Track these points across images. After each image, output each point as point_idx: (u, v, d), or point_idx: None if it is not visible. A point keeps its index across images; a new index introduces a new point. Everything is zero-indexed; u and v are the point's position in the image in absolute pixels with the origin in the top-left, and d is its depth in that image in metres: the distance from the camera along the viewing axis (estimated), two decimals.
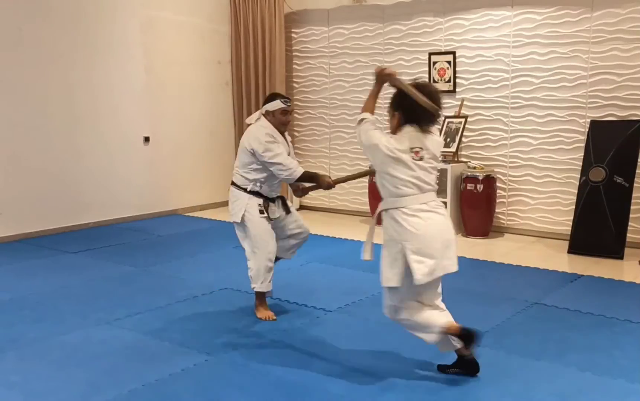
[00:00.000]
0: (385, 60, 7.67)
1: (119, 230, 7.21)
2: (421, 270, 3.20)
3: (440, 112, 3.32)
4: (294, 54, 8.49)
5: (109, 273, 5.46)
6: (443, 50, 7.22)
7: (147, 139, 7.86)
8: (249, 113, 8.75)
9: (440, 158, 3.49)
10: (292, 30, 8.46)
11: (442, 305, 3.49)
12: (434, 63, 7.28)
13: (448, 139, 7.05)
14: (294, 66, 8.51)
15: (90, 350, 3.79)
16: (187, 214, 8.20)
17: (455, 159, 7.00)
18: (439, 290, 3.48)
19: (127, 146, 7.64)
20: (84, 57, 7.13)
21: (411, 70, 7.47)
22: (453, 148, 6.97)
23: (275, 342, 3.92)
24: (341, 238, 6.85)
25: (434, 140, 3.40)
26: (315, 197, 8.53)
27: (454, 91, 7.19)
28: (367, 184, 7.70)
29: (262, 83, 8.52)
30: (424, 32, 7.36)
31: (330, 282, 5.22)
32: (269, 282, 4.31)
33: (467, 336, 3.33)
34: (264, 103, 4.38)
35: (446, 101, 7.24)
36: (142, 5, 7.72)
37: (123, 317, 4.34)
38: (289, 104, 4.30)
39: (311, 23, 8.26)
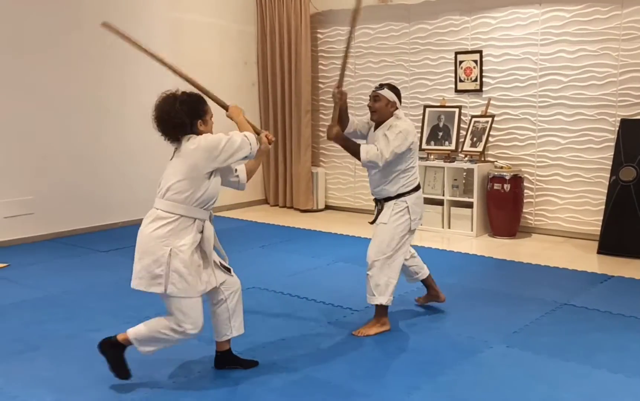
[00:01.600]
0: (411, 59, 7.66)
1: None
2: None
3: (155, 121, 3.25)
4: (319, 54, 8.52)
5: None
6: (469, 49, 7.18)
7: None
8: (275, 114, 8.81)
9: (196, 164, 3.17)
10: (318, 30, 8.49)
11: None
12: (460, 62, 7.25)
13: (474, 139, 7.01)
14: (320, 66, 8.53)
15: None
16: (215, 214, 8.26)
17: (482, 159, 6.96)
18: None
19: (155, 147, 7.71)
20: (113, 60, 7.24)
21: (437, 69, 7.45)
22: (480, 148, 6.93)
23: (301, 340, 3.95)
24: (367, 238, 6.82)
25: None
26: (341, 197, 8.55)
27: (480, 90, 7.15)
28: None
29: (287, 83, 8.57)
30: (450, 31, 7.33)
31: (356, 282, 5.21)
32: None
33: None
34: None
35: (472, 100, 7.23)
36: (169, 8, 7.82)
37: (152, 315, 4.38)
38: (373, 89, 4.13)
39: (337, 23, 8.28)
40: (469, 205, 6.96)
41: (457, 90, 7.34)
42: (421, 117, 7.50)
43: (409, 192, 4.06)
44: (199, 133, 3.25)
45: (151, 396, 3.23)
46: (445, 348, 3.78)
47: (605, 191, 6.18)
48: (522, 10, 6.77)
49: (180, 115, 3.19)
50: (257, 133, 3.51)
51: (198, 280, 3.20)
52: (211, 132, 3.31)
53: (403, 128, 3.93)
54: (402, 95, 7.64)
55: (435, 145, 7.36)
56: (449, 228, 7.11)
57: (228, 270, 3.44)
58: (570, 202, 6.69)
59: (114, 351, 3.29)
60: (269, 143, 3.56)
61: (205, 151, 3.16)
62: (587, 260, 5.82)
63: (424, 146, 7.43)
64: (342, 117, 4.10)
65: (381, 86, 4.10)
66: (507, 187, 6.65)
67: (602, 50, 6.32)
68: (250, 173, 3.62)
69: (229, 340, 3.48)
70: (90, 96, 7.10)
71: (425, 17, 7.50)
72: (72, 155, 6.93)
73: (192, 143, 3.18)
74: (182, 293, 3.15)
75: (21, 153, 6.58)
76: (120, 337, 3.27)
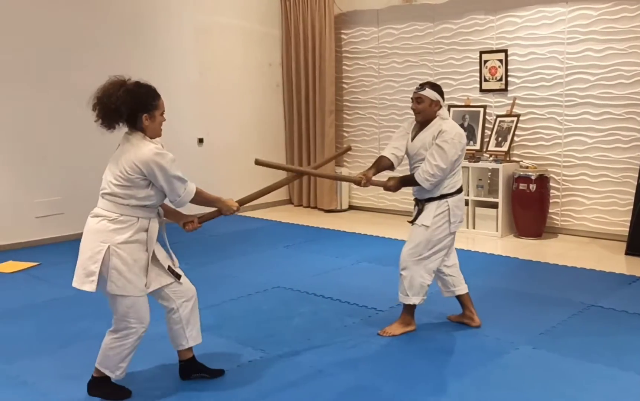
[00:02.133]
0: (435, 59, 7.64)
1: (173, 229, 7.34)
2: None
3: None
4: (343, 54, 8.54)
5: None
6: (494, 49, 7.14)
7: (201, 141, 8.06)
8: (299, 115, 8.85)
9: (127, 172, 3.05)
10: (342, 31, 8.50)
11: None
12: (485, 61, 7.21)
13: (499, 138, 6.97)
14: (344, 67, 8.55)
15: (149, 345, 3.89)
16: (239, 214, 8.32)
17: (507, 159, 6.92)
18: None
19: (182, 147, 7.81)
20: (141, 62, 7.34)
21: (462, 69, 7.43)
22: (505, 148, 6.89)
23: (327, 341, 3.97)
24: (390, 239, 6.86)
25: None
26: (364, 197, 8.56)
27: (505, 90, 7.11)
28: None
29: (312, 84, 8.60)
30: (475, 31, 7.30)
31: (380, 282, 5.23)
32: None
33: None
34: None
35: (497, 100, 7.18)
36: (196, 10, 7.91)
37: None
38: (415, 91, 4.01)
39: (361, 24, 8.29)
40: (494, 206, 6.92)
41: (481, 90, 7.30)
42: None
43: (451, 194, 3.96)
44: (143, 127, 3.10)
45: (179, 392, 3.28)
46: (472, 349, 3.78)
47: (634, 191, 6.10)
48: (549, 8, 6.72)
49: (119, 103, 3.02)
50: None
51: (141, 279, 3.11)
52: (158, 130, 3.18)
53: (454, 133, 3.85)
54: None
55: None
56: (474, 228, 7.08)
57: (178, 276, 3.28)
58: (597, 202, 6.62)
59: (101, 388, 3.24)
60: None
61: (146, 167, 3.03)
62: (615, 261, 5.75)
63: None
64: (384, 166, 4.04)
65: (422, 86, 3.97)
66: (532, 187, 6.60)
67: (630, 48, 6.24)
68: (197, 202, 3.32)
69: (191, 348, 3.38)
70: None
71: (449, 16, 7.48)
72: (101, 157, 7.02)
73: (133, 147, 3.07)
74: (122, 292, 3.06)
75: (52, 154, 6.72)
76: (95, 374, 3.24)
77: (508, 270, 5.60)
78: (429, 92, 3.92)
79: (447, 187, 3.95)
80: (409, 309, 4.08)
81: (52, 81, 6.68)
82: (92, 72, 6.95)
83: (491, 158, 6.99)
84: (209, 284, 5.22)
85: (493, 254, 6.13)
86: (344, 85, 8.58)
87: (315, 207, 8.77)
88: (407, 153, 4.06)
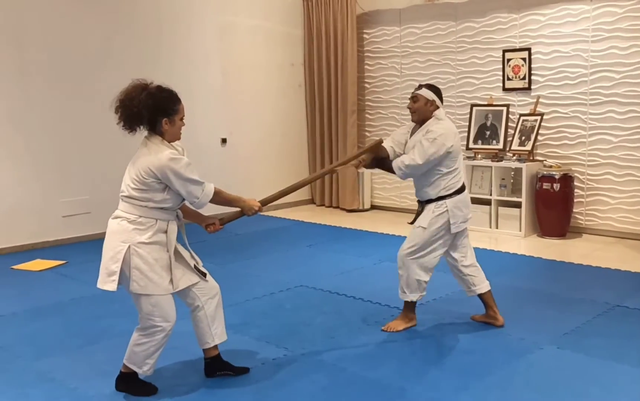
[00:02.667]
0: (457, 58, 7.61)
1: (198, 228, 7.45)
2: None
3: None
4: (365, 54, 8.54)
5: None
6: (518, 47, 7.10)
7: (224, 141, 8.13)
8: (321, 115, 8.88)
9: (143, 176, 3.08)
10: (364, 30, 8.51)
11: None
12: (508, 60, 7.17)
13: (523, 137, 6.93)
14: (366, 66, 8.56)
15: (174, 342, 3.95)
16: (262, 214, 8.37)
17: (531, 158, 6.87)
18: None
19: (205, 148, 7.91)
20: (165, 64, 7.44)
21: (484, 68, 7.39)
22: (528, 147, 6.84)
23: (350, 339, 3.99)
24: None
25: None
26: (386, 197, 8.56)
27: (529, 88, 7.06)
28: None
29: (334, 84, 8.62)
30: (497, 29, 7.26)
31: None
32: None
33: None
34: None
35: (520, 99, 7.14)
36: (218, 11, 7.98)
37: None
38: (412, 93, 4.08)
39: (383, 23, 8.29)
40: (517, 205, 6.88)
41: (504, 89, 7.26)
42: (468, 116, 7.45)
43: (450, 195, 3.98)
44: (162, 131, 3.13)
45: (203, 388, 3.33)
46: (495, 349, 3.77)
47: None
48: (573, 6, 6.66)
49: (141, 106, 3.06)
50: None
51: (164, 278, 3.14)
52: (177, 134, 3.21)
53: (440, 133, 3.86)
54: (449, 94, 7.70)
55: (482, 144, 7.30)
56: (497, 228, 7.05)
57: (203, 274, 3.33)
58: (622, 201, 6.55)
59: (128, 384, 3.30)
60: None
61: (161, 172, 3.07)
62: None
63: (470, 145, 7.38)
64: (380, 153, 4.08)
65: (420, 86, 4.07)
66: (556, 186, 6.55)
67: None
68: (217, 202, 3.33)
69: (216, 346, 3.41)
70: None
71: (472, 15, 7.45)
72: (126, 157, 7.12)
73: (150, 151, 3.10)
74: (145, 291, 3.10)
75: (78, 154, 6.83)
76: (123, 370, 3.30)
77: (532, 270, 5.56)
78: (425, 92, 4.00)
79: (445, 189, 3.97)
80: (409, 305, 4.12)
81: (79, 84, 6.79)
82: (117, 75, 7.03)
83: (514, 158, 6.95)
84: (233, 283, 5.27)
85: (516, 254, 6.10)
86: (366, 85, 8.59)
87: (337, 207, 8.79)
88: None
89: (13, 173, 6.40)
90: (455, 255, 4.12)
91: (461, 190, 4.05)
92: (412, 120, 4.07)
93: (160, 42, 7.46)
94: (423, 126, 3.99)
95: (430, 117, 3.98)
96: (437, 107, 4.00)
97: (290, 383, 3.38)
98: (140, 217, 3.12)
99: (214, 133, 8.02)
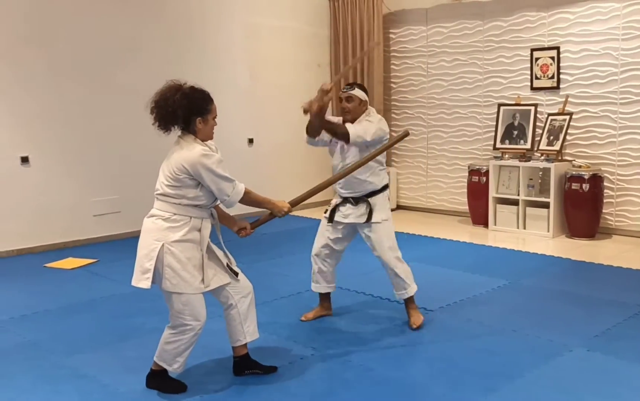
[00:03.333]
0: (484, 57, 7.57)
1: (225, 228, 7.53)
2: None
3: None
4: (391, 54, 8.53)
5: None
6: (546, 46, 7.03)
7: (251, 141, 8.19)
8: None
9: (175, 173, 3.15)
10: (390, 30, 8.50)
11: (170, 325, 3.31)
12: (536, 59, 7.10)
13: (551, 137, 6.86)
14: (392, 66, 8.55)
15: (204, 341, 4.01)
16: (289, 214, 8.42)
17: (559, 158, 6.80)
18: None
19: (232, 148, 7.97)
20: (193, 63, 7.53)
21: (512, 67, 7.34)
22: (557, 147, 6.77)
23: (377, 339, 4.00)
24: (439, 238, 6.84)
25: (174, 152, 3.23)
26: (413, 196, 8.53)
27: (557, 87, 6.99)
28: (465, 184, 7.62)
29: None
30: (525, 28, 7.19)
31: (429, 282, 5.21)
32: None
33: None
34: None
35: (549, 98, 7.07)
36: (245, 12, 8.04)
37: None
38: (343, 90, 4.14)
39: (409, 23, 8.27)
40: (545, 205, 6.81)
41: (532, 88, 7.19)
42: (495, 115, 7.40)
43: (387, 186, 4.19)
44: (196, 130, 3.20)
45: (232, 387, 3.36)
46: (523, 350, 3.75)
47: None
48: (603, 4, 6.57)
49: (176, 106, 3.13)
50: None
51: (196, 277, 3.17)
52: (210, 133, 3.29)
53: (379, 119, 4.03)
54: (475, 93, 7.69)
55: (510, 144, 7.25)
56: (524, 228, 6.99)
57: (235, 273, 3.37)
58: None
59: (158, 381, 3.35)
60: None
61: (193, 168, 3.12)
62: None
63: (498, 145, 7.33)
64: (318, 121, 3.99)
65: (351, 86, 4.11)
66: (585, 186, 6.47)
67: None
68: (246, 202, 3.42)
69: (245, 345, 3.44)
70: None
71: (499, 14, 7.40)
72: (156, 157, 7.21)
73: (183, 149, 3.17)
74: (177, 289, 3.14)
75: (109, 154, 6.94)
76: (153, 367, 3.35)
77: (560, 271, 5.51)
78: (358, 92, 4.06)
79: (384, 180, 4.16)
80: (413, 298, 4.23)
81: (108, 83, 6.90)
82: (146, 74, 7.17)
83: (542, 158, 6.88)
84: (260, 282, 5.28)
85: (544, 255, 6.04)
86: (392, 85, 8.58)
87: None
88: (338, 148, 4.11)
89: (45, 172, 6.54)
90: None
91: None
92: (345, 119, 4.08)
93: (189, 42, 7.54)
94: (357, 122, 4.02)
95: (361, 116, 4.05)
96: (367, 107, 4.09)
97: (318, 383, 3.40)
98: (175, 214, 3.16)
99: (240, 134, 8.09)
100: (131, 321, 4.41)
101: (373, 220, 4.09)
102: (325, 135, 4.10)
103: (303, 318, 4.33)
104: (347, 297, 4.84)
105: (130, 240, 7.04)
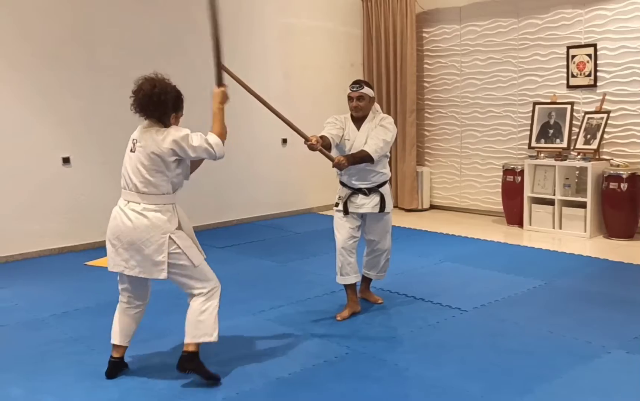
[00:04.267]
0: (519, 55, 7.49)
1: (259, 228, 7.64)
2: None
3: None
4: (425, 53, 8.50)
5: (252, 268, 5.82)
6: (583, 43, 6.93)
7: (284, 141, 8.25)
8: None
9: (164, 157, 3.36)
10: (424, 29, 8.47)
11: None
12: (573, 57, 7.00)
13: (588, 136, 6.76)
14: (425, 65, 8.52)
15: (237, 339, 4.09)
16: (321, 213, 8.49)
17: (596, 157, 6.69)
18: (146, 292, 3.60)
19: (267, 148, 8.06)
20: (226, 62, 7.60)
21: (548, 65, 7.25)
22: (594, 146, 6.67)
23: (411, 339, 4.01)
24: (473, 238, 6.80)
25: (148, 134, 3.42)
26: (446, 196, 8.49)
27: (594, 85, 6.88)
28: (500, 183, 7.56)
29: (392, 83, 8.62)
30: (561, 25, 7.10)
31: (464, 282, 5.21)
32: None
33: None
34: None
35: (586, 96, 6.96)
36: (279, 13, 8.11)
37: (267, 309, 4.63)
38: (353, 89, 4.41)
39: (443, 22, 8.23)
40: (582, 205, 6.71)
41: (569, 86, 7.10)
42: (530, 114, 7.32)
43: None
44: (168, 124, 3.43)
45: (267, 385, 3.41)
46: (560, 352, 3.71)
47: None
48: None
49: (168, 97, 3.40)
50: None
51: (196, 246, 3.50)
52: None
53: (392, 120, 4.37)
54: (510, 92, 7.65)
55: (545, 143, 7.16)
56: (560, 228, 6.90)
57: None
58: None
59: (196, 361, 3.42)
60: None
61: (174, 143, 3.33)
62: None
63: (533, 144, 7.26)
64: (327, 144, 4.32)
65: (360, 84, 4.38)
66: (624, 186, 6.36)
67: None
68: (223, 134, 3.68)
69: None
70: (203, 100, 7.49)
71: (535, 11, 7.31)
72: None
73: (160, 135, 3.36)
74: (197, 261, 3.41)
75: None
76: (188, 349, 3.42)
77: (597, 272, 5.43)
78: (367, 90, 4.37)
79: (389, 170, 4.48)
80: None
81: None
82: (182, 75, 7.26)
83: (579, 157, 6.78)
84: (294, 281, 5.36)
85: (581, 255, 5.96)
86: (426, 84, 8.55)
87: (396, 207, 8.76)
88: (348, 148, 4.33)
89: (85, 173, 6.69)
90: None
91: None
92: (356, 116, 4.37)
93: (222, 42, 7.62)
94: (368, 119, 4.36)
95: (369, 112, 4.38)
96: (374, 103, 4.45)
97: (352, 382, 3.42)
98: (165, 204, 3.39)
99: (274, 134, 8.15)
100: (168, 318, 4.49)
101: (386, 209, 4.38)
102: (335, 143, 4.40)
103: (339, 318, 4.36)
104: (381, 296, 4.84)
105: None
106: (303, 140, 4.21)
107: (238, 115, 7.75)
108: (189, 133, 3.41)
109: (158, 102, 3.37)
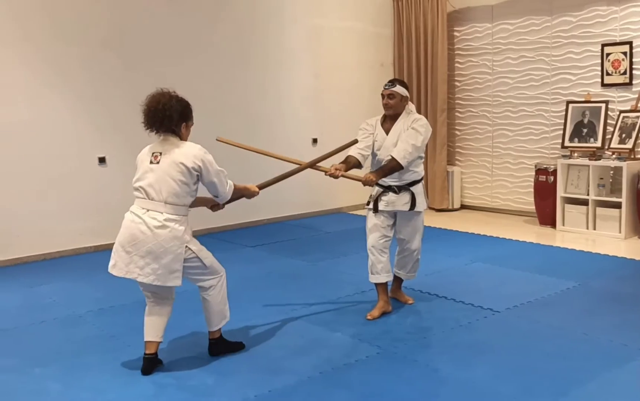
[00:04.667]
0: (552, 53, 7.40)
1: (290, 227, 7.69)
2: (110, 263, 3.68)
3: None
4: (456, 52, 8.45)
5: (282, 267, 5.86)
6: (618, 41, 6.81)
7: (315, 141, 8.28)
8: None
9: (191, 169, 3.52)
10: (455, 28, 8.42)
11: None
12: (607, 55, 6.89)
13: (623, 135, 6.65)
14: (456, 64, 8.47)
15: (269, 337, 4.12)
16: (351, 212, 8.49)
17: (632, 156, 6.58)
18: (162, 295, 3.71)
19: (297, 147, 8.07)
20: (257, 63, 7.70)
21: (582, 63, 7.15)
22: (629, 145, 6.56)
23: (442, 339, 4.00)
24: (505, 238, 6.74)
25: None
26: (477, 196, 8.43)
27: (630, 84, 6.77)
28: (532, 183, 7.48)
29: (423, 83, 8.58)
30: (596, 23, 6.99)
31: (496, 282, 5.17)
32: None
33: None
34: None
35: (621, 94, 6.85)
36: (310, 14, 8.14)
37: (298, 308, 4.66)
38: (385, 86, 4.41)
39: (474, 20, 8.17)
40: (617, 206, 6.61)
41: (603, 84, 6.99)
42: (564, 113, 7.22)
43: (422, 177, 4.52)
44: (181, 134, 3.60)
45: (299, 384, 3.43)
46: (595, 355, 3.67)
47: None
48: None
49: (172, 110, 3.54)
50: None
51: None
52: (187, 138, 3.69)
53: (425, 121, 4.31)
54: (543, 91, 7.55)
55: (579, 142, 7.06)
56: (594, 229, 6.80)
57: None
58: None
59: (221, 344, 3.84)
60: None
61: (200, 159, 3.50)
62: None
63: (566, 143, 7.16)
64: (353, 165, 4.40)
65: (392, 83, 4.35)
66: None
67: None
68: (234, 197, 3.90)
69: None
70: (235, 101, 7.58)
71: (568, 9, 7.21)
72: (219, 156, 7.43)
73: (183, 147, 3.53)
74: (209, 257, 3.69)
75: None
76: (211, 337, 3.83)
77: (633, 273, 5.34)
78: (400, 89, 4.33)
79: (423, 170, 4.45)
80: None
81: (178, 84, 7.00)
82: (214, 77, 7.39)
83: (614, 156, 6.67)
84: (325, 280, 5.38)
85: (616, 256, 5.87)
86: (457, 83, 8.50)
87: None
88: (377, 149, 4.37)
89: (120, 172, 6.81)
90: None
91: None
92: (387, 115, 4.38)
93: (253, 43, 7.70)
94: (400, 118, 4.33)
95: (402, 111, 4.35)
96: (407, 102, 4.38)
97: (382, 382, 3.43)
98: (182, 216, 3.55)
99: (305, 133, 8.19)
100: (202, 316, 4.52)
101: (417, 208, 4.36)
102: (367, 155, 4.43)
103: (369, 317, 4.37)
104: (412, 296, 4.83)
105: (198, 238, 7.07)
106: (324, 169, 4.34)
107: (270, 115, 7.83)
108: (213, 161, 3.62)
109: (164, 117, 3.54)
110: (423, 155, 4.40)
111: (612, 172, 6.79)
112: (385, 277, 4.44)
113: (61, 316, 4.69)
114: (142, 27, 6.87)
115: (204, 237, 7.18)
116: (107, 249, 6.70)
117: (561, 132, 7.26)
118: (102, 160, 6.68)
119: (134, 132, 6.94)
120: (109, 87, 6.67)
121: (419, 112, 8.71)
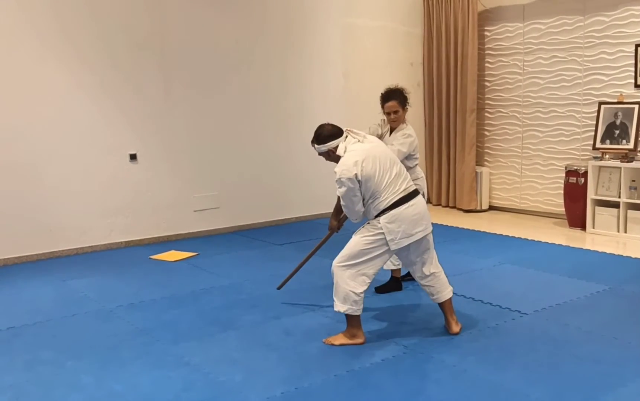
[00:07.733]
0: (585, 54, 7.30)
1: (318, 225, 7.70)
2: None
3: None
4: (486, 52, 8.39)
5: (311, 265, 5.86)
6: None
7: None
8: (439, 114, 8.82)
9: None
10: (485, 28, 8.36)
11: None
12: None
13: None
14: (486, 64, 8.40)
15: (300, 335, 4.15)
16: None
17: None
18: None
19: None
20: (291, 64, 7.75)
21: (614, 64, 7.05)
22: None
23: (470, 341, 3.98)
24: (534, 240, 6.68)
25: None
26: (506, 197, 8.36)
27: None
28: (562, 184, 7.40)
29: (453, 83, 8.54)
30: (630, 22, 6.89)
31: (524, 285, 5.14)
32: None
33: None
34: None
35: None
36: (342, 13, 8.16)
37: (325, 306, 4.67)
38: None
39: (505, 20, 8.10)
40: None
41: (637, 85, 6.88)
42: (595, 114, 7.13)
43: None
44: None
45: (326, 383, 3.46)
46: (626, 359, 3.62)
47: None
48: None
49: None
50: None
51: None
52: None
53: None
54: (574, 91, 7.49)
55: (611, 144, 6.97)
56: (625, 232, 6.70)
57: None
58: None
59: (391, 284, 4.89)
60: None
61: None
62: None
63: (598, 145, 7.07)
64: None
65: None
66: None
67: None
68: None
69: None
70: (268, 99, 7.64)
71: (602, 8, 7.11)
72: (254, 154, 7.55)
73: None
74: None
75: (210, 152, 7.28)
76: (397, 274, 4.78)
77: None
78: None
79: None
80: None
81: (212, 85, 7.23)
82: (247, 76, 7.45)
83: None
84: None
85: None
86: (487, 83, 8.44)
87: (454, 207, 8.71)
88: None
89: (151, 169, 6.92)
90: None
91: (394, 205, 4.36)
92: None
93: (288, 45, 7.76)
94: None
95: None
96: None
97: (410, 382, 3.43)
98: None
99: None
100: (230, 312, 4.61)
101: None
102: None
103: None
104: None
105: (228, 236, 7.36)
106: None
107: (301, 113, 7.86)
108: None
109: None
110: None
111: None
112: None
113: (93, 310, 4.78)
114: (179, 29, 6.96)
115: (233, 234, 7.29)
116: (137, 245, 6.86)
117: (592, 133, 7.17)
118: (133, 157, 6.78)
119: (165, 131, 7.10)
120: (142, 87, 6.78)
121: (447, 112, 8.68)
